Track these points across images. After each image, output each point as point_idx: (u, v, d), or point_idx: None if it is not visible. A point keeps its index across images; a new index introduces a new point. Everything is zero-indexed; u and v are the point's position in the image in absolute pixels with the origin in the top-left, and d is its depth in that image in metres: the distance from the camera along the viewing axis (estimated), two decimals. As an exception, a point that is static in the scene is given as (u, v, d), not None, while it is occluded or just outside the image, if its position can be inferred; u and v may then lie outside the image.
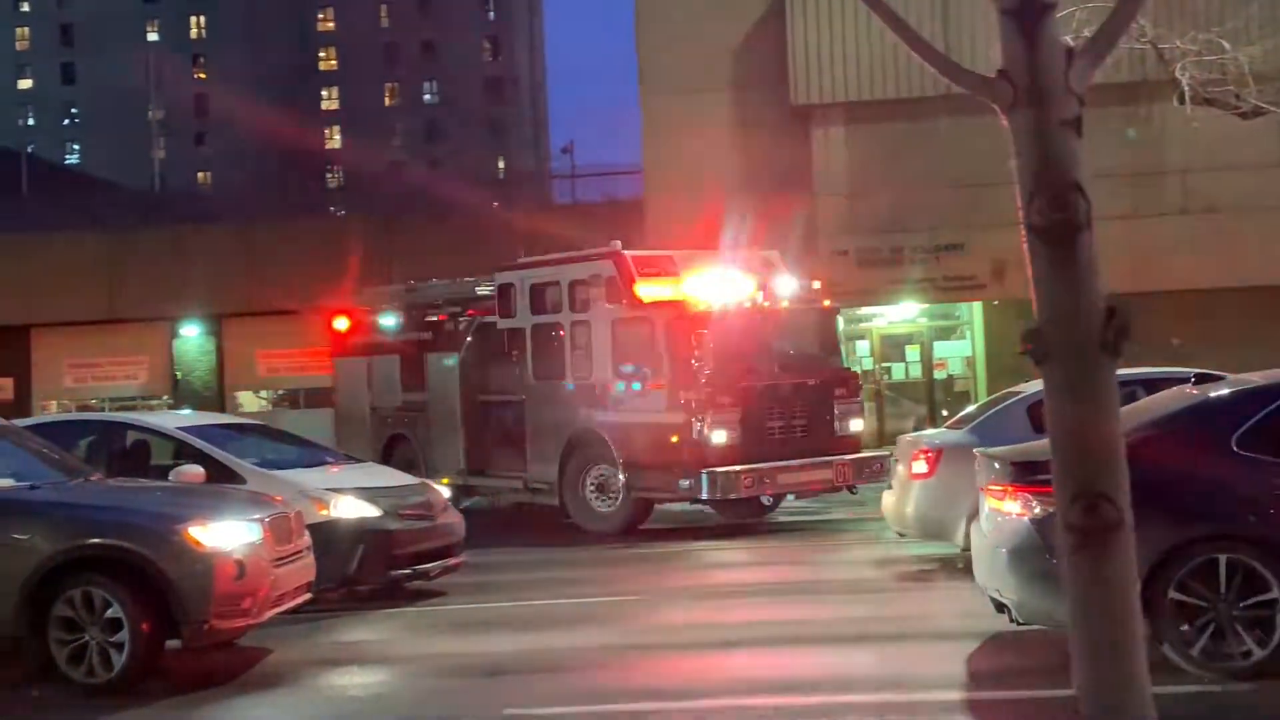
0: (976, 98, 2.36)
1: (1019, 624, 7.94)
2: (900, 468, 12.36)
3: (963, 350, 27.47)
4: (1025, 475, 7.67)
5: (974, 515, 10.73)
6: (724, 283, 16.37)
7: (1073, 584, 2.31)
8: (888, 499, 12.62)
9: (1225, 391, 8.16)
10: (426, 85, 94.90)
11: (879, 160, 25.34)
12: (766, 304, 16.58)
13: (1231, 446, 7.40)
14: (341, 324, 21.18)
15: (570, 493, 16.71)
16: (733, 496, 15.43)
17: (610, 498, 16.33)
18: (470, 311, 19.18)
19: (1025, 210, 2.22)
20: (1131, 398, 12.38)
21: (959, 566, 11.00)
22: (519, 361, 17.78)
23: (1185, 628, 7.16)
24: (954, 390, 26.79)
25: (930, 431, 15.31)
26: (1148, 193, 23.28)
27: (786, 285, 16.91)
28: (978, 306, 26.51)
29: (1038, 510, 7.46)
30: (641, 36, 27.71)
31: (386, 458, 18.58)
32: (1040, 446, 8.44)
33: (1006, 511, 7.78)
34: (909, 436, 13.54)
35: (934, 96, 21.02)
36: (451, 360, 18.99)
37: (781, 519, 17.21)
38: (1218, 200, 19.29)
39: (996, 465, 8.03)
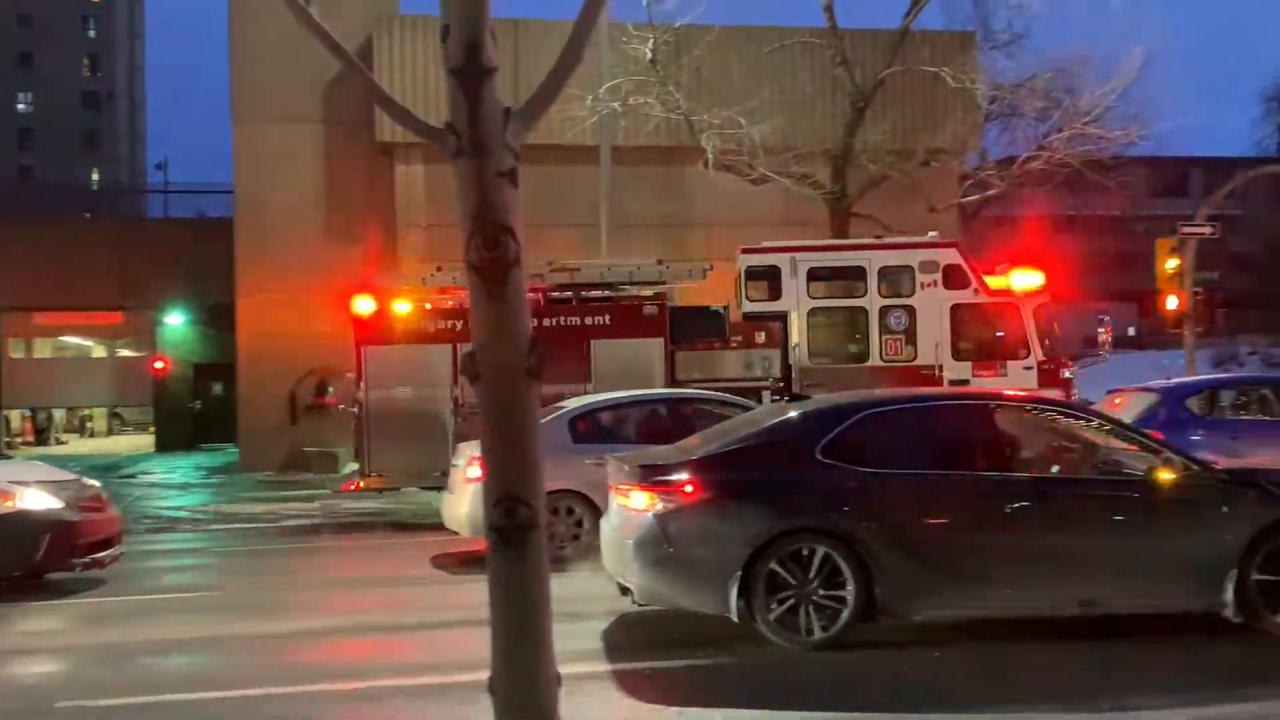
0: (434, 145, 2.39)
1: (641, 605, 8.23)
2: (457, 471, 12.39)
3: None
4: (649, 476, 7.96)
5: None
6: (1026, 273, 17.03)
7: (493, 579, 2.36)
8: (446, 500, 12.60)
9: (812, 408, 8.68)
10: (21, 95, 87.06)
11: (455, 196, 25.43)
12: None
13: (816, 455, 7.84)
14: (366, 306, 16.63)
15: None
16: None
17: None
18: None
19: (464, 249, 2.26)
20: (654, 416, 13.07)
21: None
22: (774, 346, 16.62)
23: (774, 604, 7.60)
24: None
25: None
26: (679, 242, 24.56)
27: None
28: (537, 332, 27.02)
29: (659, 506, 7.78)
30: (235, 67, 26.58)
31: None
32: (662, 452, 8.79)
33: (632, 507, 8.01)
34: (471, 444, 13.58)
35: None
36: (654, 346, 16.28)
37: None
38: (735, 251, 20.72)
39: (625, 467, 8.26)
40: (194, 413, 34.13)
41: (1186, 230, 25.69)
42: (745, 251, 17.52)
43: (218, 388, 33.07)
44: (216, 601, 10.78)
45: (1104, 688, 6.62)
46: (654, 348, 16.39)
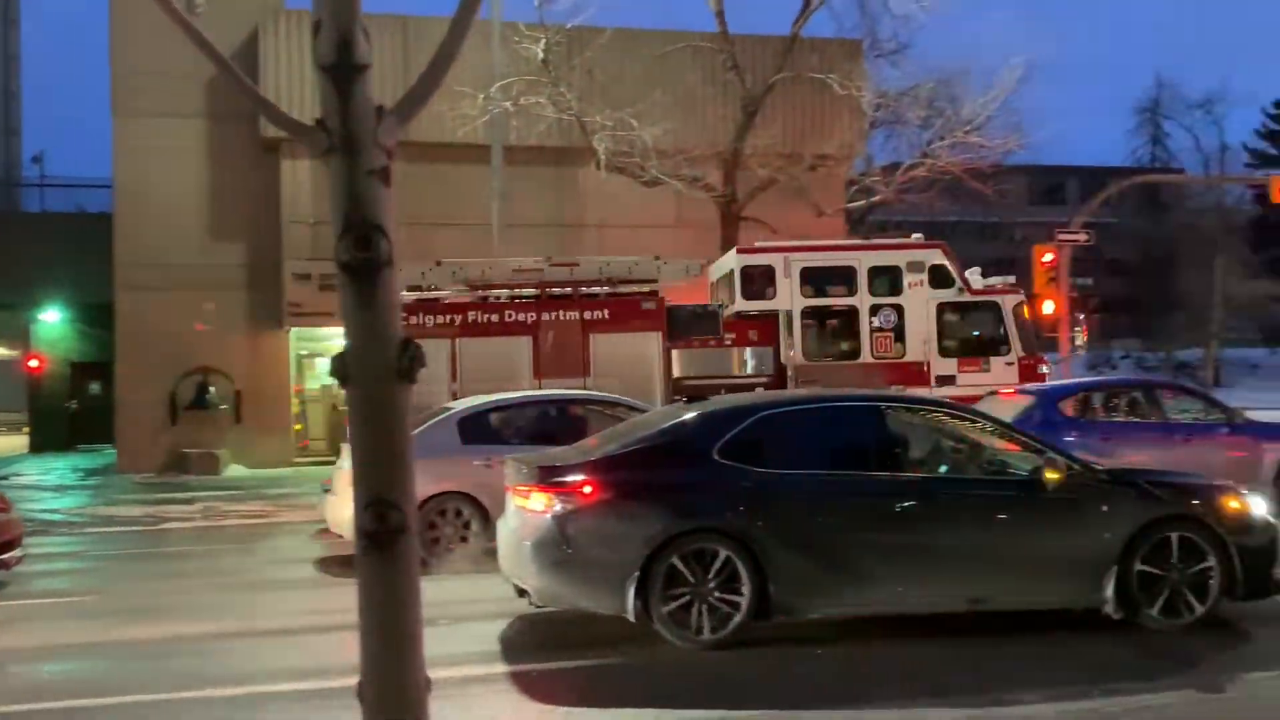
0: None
1: (538, 607, 8.16)
2: (341, 474, 12.18)
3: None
4: (548, 477, 7.88)
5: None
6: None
7: (362, 584, 2.33)
8: (329, 503, 12.40)
9: (710, 409, 8.67)
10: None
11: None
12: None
13: (714, 456, 7.86)
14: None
15: None
16: None
17: None
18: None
19: (335, 248, 2.22)
20: (545, 417, 13.02)
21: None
22: (766, 343, 17.01)
23: (670, 604, 7.61)
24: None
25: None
26: (573, 242, 24.55)
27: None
28: (426, 332, 26.79)
29: (558, 507, 7.72)
30: (116, 61, 25.82)
31: None
32: (561, 453, 8.71)
33: (531, 509, 7.92)
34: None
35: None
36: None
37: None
38: (628, 251, 20.81)
39: (524, 469, 8.16)
40: (70, 413, 33.06)
41: (1063, 237, 26.52)
42: (741, 251, 18.02)
43: (95, 387, 32.09)
44: (95, 606, 10.45)
45: (979, 684, 6.77)
46: (652, 342, 16.72)
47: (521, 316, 17.16)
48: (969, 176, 24.78)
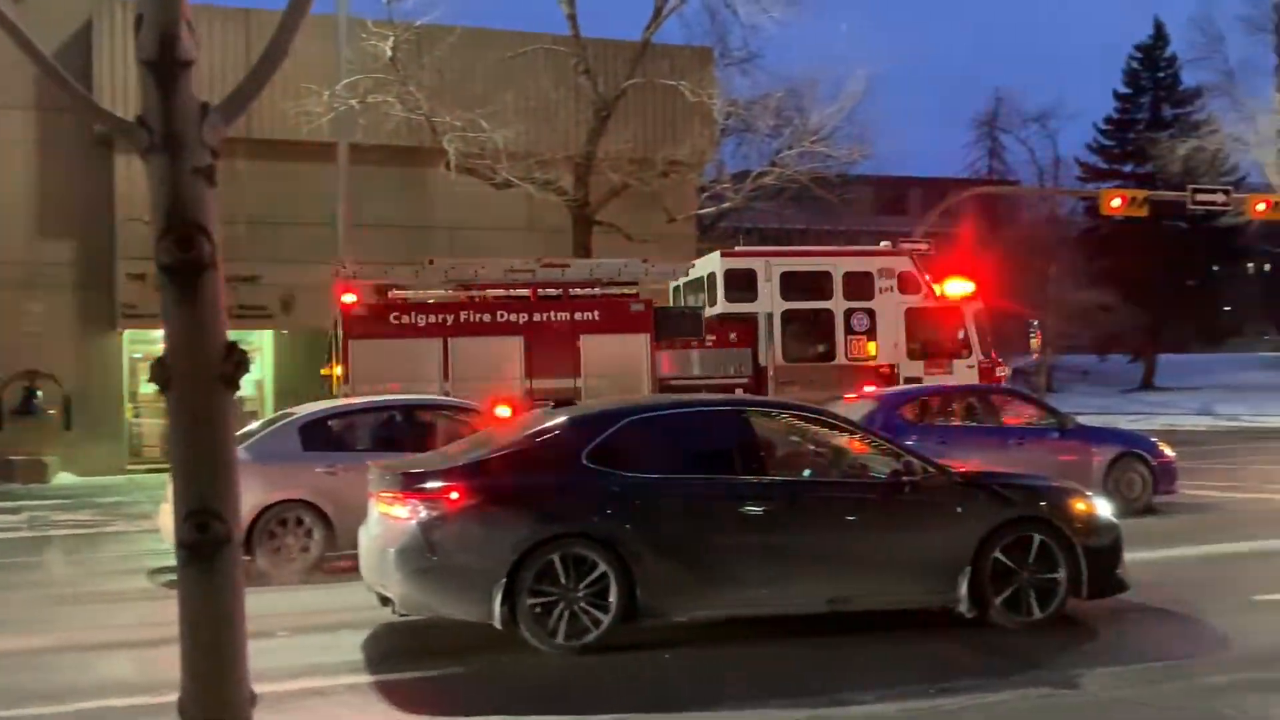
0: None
1: (401, 615, 7.98)
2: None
3: (254, 375, 26.98)
4: (412, 484, 7.72)
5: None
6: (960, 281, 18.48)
7: (183, 597, 2.25)
8: (164, 511, 11.99)
9: (578, 414, 8.64)
10: None
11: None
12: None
13: (582, 460, 7.82)
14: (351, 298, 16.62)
15: None
16: None
17: None
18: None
19: (156, 248, 2.14)
20: (388, 423, 12.83)
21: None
22: (745, 345, 17.44)
23: (537, 609, 7.55)
24: (244, 411, 26.22)
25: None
26: (421, 242, 24.26)
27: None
28: (269, 334, 26.17)
29: (422, 514, 7.57)
30: (-65, 45, 24.51)
31: None
32: (426, 459, 8.50)
33: (395, 516, 7.74)
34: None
35: (232, 138, 20.49)
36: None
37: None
38: (480, 252, 20.63)
39: (388, 475, 7.97)
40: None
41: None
42: (725, 255, 18.74)
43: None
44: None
45: (825, 684, 6.90)
46: (640, 343, 17.12)
47: (513, 317, 17.16)
48: (816, 185, 25.32)
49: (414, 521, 7.65)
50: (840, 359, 18.40)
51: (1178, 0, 50.56)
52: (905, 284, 18.78)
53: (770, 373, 17.96)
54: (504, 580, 7.51)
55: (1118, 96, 57.68)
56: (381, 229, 24.14)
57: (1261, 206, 34.42)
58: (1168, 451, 15.28)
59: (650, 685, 7.09)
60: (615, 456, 7.92)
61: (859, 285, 18.66)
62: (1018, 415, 15.50)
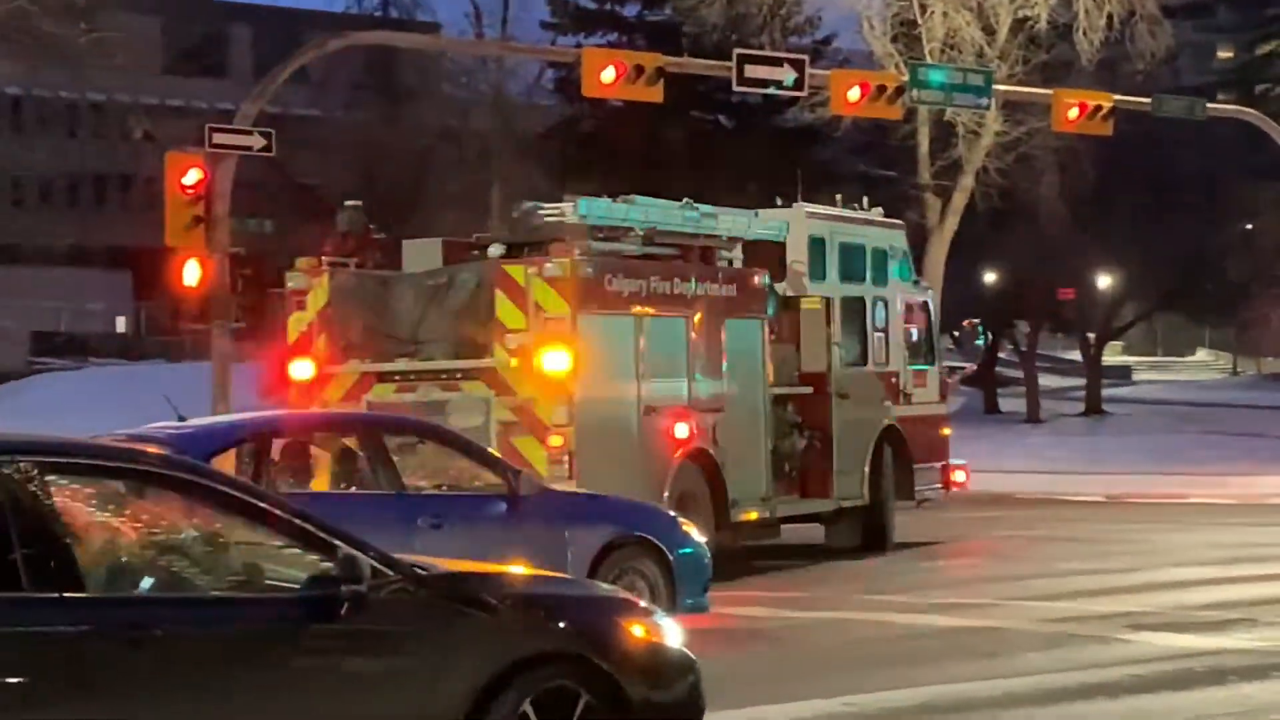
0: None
1: None
2: None
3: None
4: None
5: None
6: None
7: None
8: None
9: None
10: None
11: None
12: None
13: None
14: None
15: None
16: None
17: None
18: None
19: None
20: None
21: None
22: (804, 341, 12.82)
23: None
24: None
25: None
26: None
27: None
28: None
29: None
30: None
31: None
32: None
33: None
34: None
35: None
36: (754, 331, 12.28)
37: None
38: None
39: None
40: None
41: (219, 142, 15.51)
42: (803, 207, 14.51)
43: None
44: None
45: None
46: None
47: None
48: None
49: None
50: (869, 364, 14.08)
51: None
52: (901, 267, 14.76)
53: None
54: None
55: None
56: None
57: (855, 94, 18.87)
58: (695, 534, 9.57)
59: None
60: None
61: (879, 265, 14.63)
62: (435, 472, 9.18)
